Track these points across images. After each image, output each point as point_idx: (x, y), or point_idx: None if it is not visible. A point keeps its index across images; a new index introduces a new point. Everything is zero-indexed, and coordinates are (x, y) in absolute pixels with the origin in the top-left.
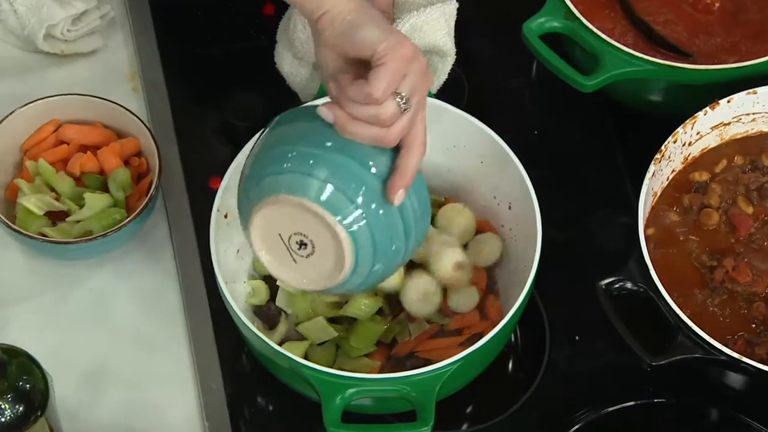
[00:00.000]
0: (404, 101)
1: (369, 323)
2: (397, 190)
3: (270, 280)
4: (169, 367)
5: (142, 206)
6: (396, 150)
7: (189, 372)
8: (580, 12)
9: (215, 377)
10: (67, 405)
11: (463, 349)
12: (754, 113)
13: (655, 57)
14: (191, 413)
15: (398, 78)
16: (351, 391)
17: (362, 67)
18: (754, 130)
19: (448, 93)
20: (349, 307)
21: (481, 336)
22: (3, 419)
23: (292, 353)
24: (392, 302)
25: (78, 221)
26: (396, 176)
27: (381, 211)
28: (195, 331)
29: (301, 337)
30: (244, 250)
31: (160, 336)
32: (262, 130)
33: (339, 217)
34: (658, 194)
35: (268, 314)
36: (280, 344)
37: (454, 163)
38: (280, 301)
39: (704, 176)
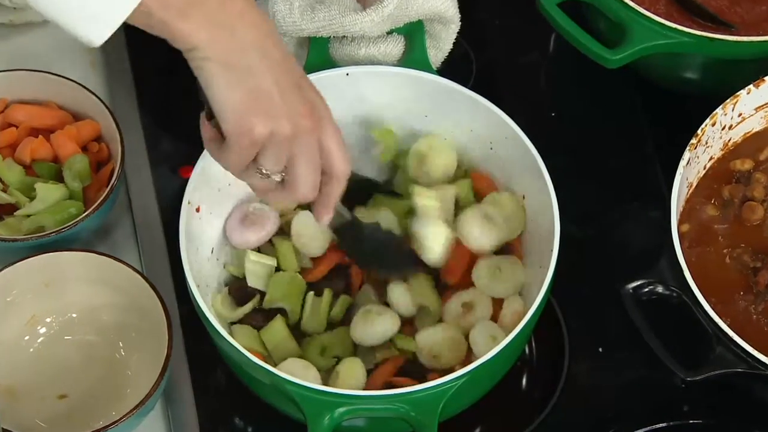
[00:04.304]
0: (268, 174)
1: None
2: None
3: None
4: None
5: (101, 198)
6: None
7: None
8: None
9: (186, 393)
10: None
11: (470, 363)
12: None
13: (690, 28)
14: None
15: (247, 156)
16: (341, 410)
17: None
18: None
19: (453, 70)
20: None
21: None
22: None
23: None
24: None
25: (28, 215)
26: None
27: None
28: None
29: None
30: (218, 249)
31: None
32: None
33: None
34: (694, 185)
35: (242, 292)
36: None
37: (460, 149)
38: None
39: (747, 164)
